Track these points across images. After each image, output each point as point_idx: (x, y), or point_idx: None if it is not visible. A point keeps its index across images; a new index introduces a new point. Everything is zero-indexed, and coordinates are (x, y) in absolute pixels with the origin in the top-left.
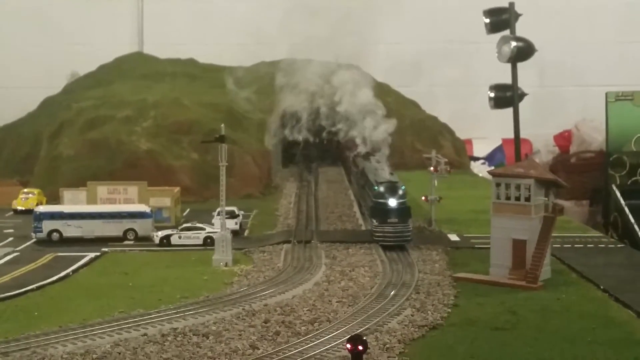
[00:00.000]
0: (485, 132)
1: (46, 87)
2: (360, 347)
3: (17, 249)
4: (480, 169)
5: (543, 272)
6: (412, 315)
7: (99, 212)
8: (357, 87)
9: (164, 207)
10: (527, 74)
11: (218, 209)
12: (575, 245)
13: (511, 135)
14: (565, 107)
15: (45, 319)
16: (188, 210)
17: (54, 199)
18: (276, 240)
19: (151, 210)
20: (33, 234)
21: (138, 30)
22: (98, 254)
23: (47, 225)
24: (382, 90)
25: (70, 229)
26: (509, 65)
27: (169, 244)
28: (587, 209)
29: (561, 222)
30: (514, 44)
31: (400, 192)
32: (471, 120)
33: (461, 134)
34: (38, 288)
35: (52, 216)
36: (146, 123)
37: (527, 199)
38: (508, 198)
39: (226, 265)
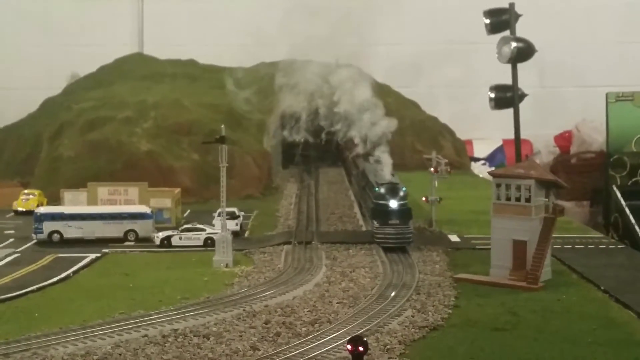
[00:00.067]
0: (485, 132)
1: (46, 88)
2: (361, 348)
3: (18, 250)
4: (481, 170)
5: (543, 273)
6: (412, 316)
7: (100, 213)
8: (356, 85)
9: (165, 208)
10: (528, 75)
11: (218, 210)
12: (576, 246)
13: (511, 136)
14: (566, 107)
15: (45, 320)
16: (188, 211)
17: (55, 200)
18: (277, 241)
19: (152, 211)
20: (34, 235)
21: (138, 31)
22: (99, 255)
23: (48, 227)
24: (382, 91)
25: (71, 230)
26: (509, 66)
27: (169, 245)
28: (588, 210)
29: (561, 223)
30: (514, 44)
31: (401, 193)
32: (471, 121)
33: (461, 135)
34: (39, 289)
35: (53, 217)
36: (146, 124)
37: (528, 200)
38: (508, 199)
39: (227, 266)
